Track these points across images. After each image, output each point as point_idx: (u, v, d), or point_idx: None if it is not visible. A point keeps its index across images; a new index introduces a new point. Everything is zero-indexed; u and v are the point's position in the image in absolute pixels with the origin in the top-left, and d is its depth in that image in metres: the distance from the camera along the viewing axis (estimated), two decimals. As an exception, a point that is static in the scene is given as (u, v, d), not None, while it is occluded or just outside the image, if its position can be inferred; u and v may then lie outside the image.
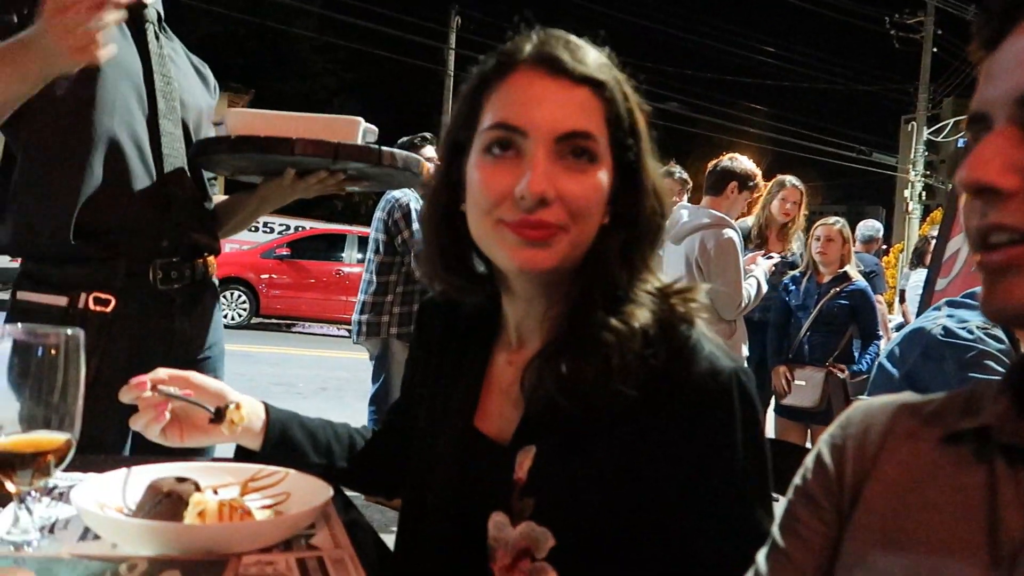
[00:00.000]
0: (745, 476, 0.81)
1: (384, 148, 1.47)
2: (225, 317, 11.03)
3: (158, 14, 1.55)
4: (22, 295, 1.42)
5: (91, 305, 1.40)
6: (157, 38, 1.52)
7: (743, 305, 3.22)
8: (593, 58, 0.84)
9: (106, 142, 1.40)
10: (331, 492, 0.93)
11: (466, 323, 1.00)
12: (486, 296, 0.95)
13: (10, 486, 0.79)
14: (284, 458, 1.02)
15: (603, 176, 0.84)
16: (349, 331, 4.00)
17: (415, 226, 3.60)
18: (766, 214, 4.11)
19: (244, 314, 11.37)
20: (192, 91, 1.60)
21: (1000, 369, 2.08)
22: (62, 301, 1.39)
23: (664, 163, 0.94)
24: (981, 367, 2.10)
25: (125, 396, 0.96)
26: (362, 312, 3.82)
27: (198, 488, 0.90)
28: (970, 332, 2.16)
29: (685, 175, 4.42)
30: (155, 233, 1.46)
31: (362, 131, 1.48)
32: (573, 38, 0.85)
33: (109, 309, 1.41)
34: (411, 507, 0.98)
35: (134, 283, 1.44)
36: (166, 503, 0.85)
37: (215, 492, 0.91)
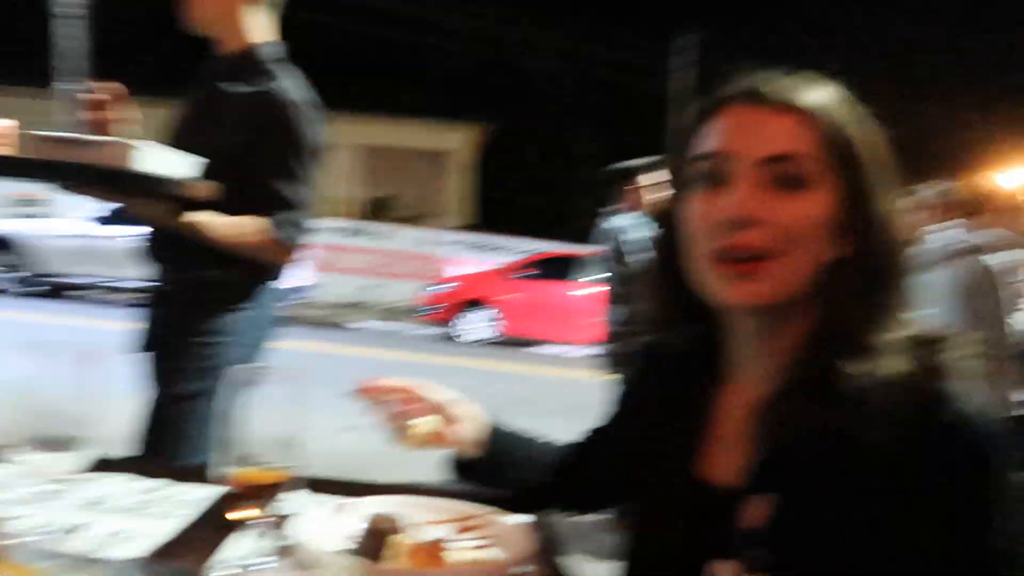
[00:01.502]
0: (993, 542, 0.73)
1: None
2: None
3: None
4: None
5: None
6: None
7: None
8: (805, 88, 0.84)
9: None
10: (536, 545, 0.92)
11: (678, 366, 0.96)
12: (702, 336, 0.92)
13: (245, 514, 0.86)
14: (498, 470, 1.10)
15: (818, 202, 0.80)
16: (589, 353, 4.01)
17: (631, 256, 3.55)
18: None
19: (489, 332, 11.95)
20: None
21: None
22: None
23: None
24: None
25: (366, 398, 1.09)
26: (612, 341, 3.80)
27: (399, 528, 0.92)
28: None
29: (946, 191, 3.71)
30: None
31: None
32: (791, 76, 0.84)
33: None
34: (631, 559, 0.95)
35: None
36: (375, 539, 0.88)
37: (429, 529, 0.93)
